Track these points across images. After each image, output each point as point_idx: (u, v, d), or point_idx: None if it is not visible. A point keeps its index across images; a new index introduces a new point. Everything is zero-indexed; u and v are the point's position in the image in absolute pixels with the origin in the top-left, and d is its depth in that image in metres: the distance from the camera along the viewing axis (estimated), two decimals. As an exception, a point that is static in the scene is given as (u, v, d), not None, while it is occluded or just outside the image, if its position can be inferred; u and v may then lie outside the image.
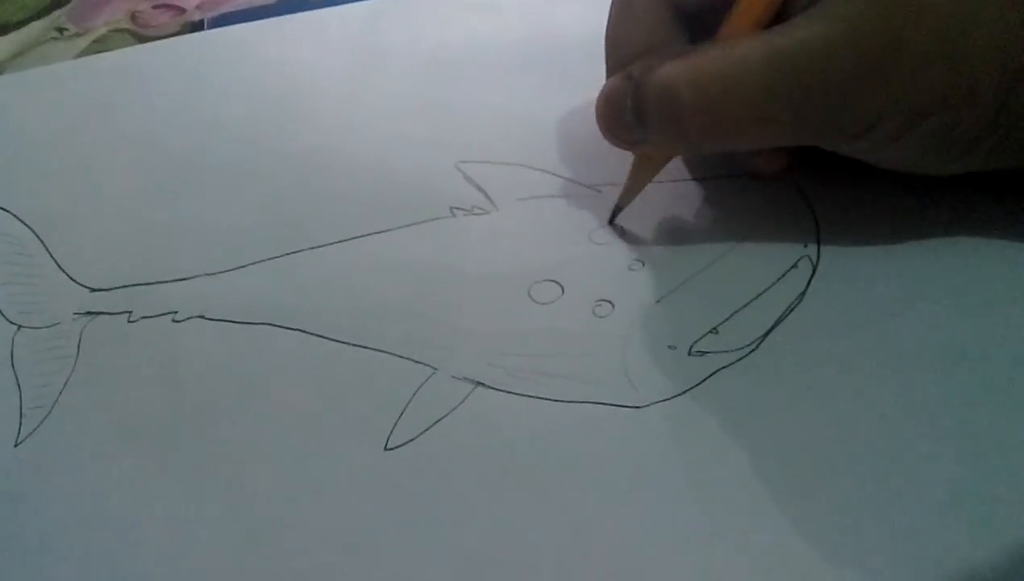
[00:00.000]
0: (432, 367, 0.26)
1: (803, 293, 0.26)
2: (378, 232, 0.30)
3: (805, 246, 0.27)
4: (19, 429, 0.26)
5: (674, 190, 0.30)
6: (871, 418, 0.24)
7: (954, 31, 0.22)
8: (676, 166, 0.30)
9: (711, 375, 0.25)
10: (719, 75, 0.23)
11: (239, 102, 0.34)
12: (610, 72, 0.27)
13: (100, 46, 0.39)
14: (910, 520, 0.22)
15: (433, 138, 0.33)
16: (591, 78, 0.34)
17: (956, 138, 0.23)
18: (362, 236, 0.29)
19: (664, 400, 0.25)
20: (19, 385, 0.27)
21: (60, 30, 0.40)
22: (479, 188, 0.31)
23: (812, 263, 0.27)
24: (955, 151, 0.24)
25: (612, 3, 0.27)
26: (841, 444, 0.23)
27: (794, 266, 0.27)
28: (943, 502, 0.22)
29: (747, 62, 0.23)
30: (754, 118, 0.23)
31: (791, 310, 0.26)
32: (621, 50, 0.27)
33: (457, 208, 0.30)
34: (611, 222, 0.29)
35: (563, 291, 0.28)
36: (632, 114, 0.25)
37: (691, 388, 0.25)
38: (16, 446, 0.26)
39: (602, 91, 0.26)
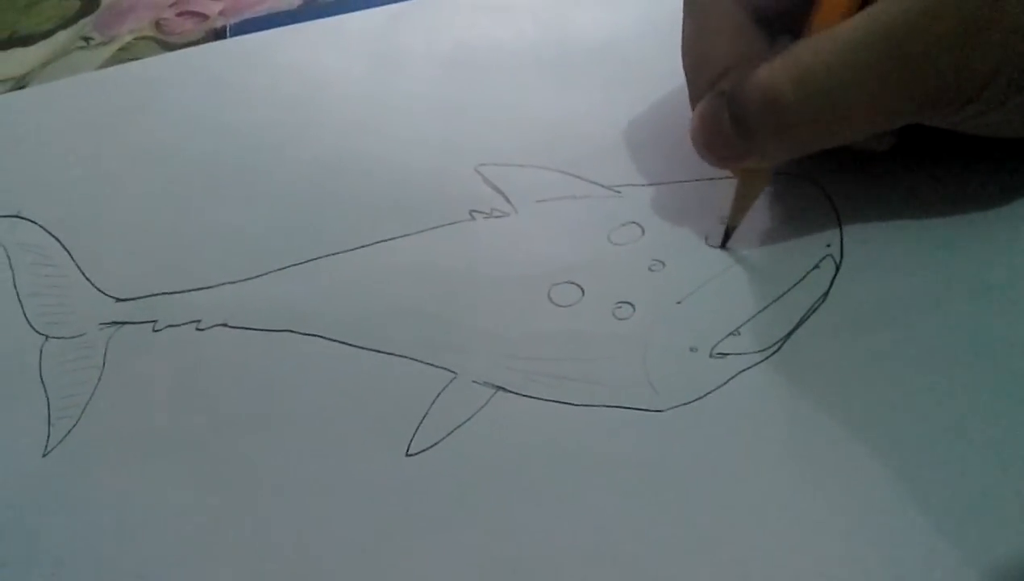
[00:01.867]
0: (452, 372, 0.26)
1: (826, 293, 0.26)
2: (398, 237, 0.30)
3: (828, 245, 0.27)
4: (48, 438, 0.27)
5: (695, 190, 0.29)
6: (896, 419, 0.23)
7: None
8: (697, 165, 0.30)
9: (733, 377, 0.25)
10: (823, 67, 0.22)
11: (261, 109, 0.35)
12: (696, 92, 0.26)
13: (125, 54, 0.40)
14: (939, 520, 0.21)
15: (452, 141, 0.33)
16: (608, 79, 0.34)
17: None
18: (382, 241, 0.30)
19: (686, 403, 0.25)
20: (47, 395, 0.27)
21: (86, 39, 0.41)
22: (498, 190, 0.31)
23: (835, 263, 0.27)
24: None
25: (685, 20, 0.26)
26: (866, 445, 0.23)
27: (816, 266, 0.27)
28: (973, 502, 0.22)
29: (850, 47, 0.22)
30: (866, 103, 0.23)
31: (814, 310, 0.26)
32: (707, 67, 0.26)
33: (476, 211, 0.30)
34: (723, 246, 0.28)
35: (583, 293, 0.27)
36: (733, 128, 0.24)
37: (713, 391, 0.25)
38: (44, 455, 0.26)
39: (695, 114, 0.25)
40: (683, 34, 0.26)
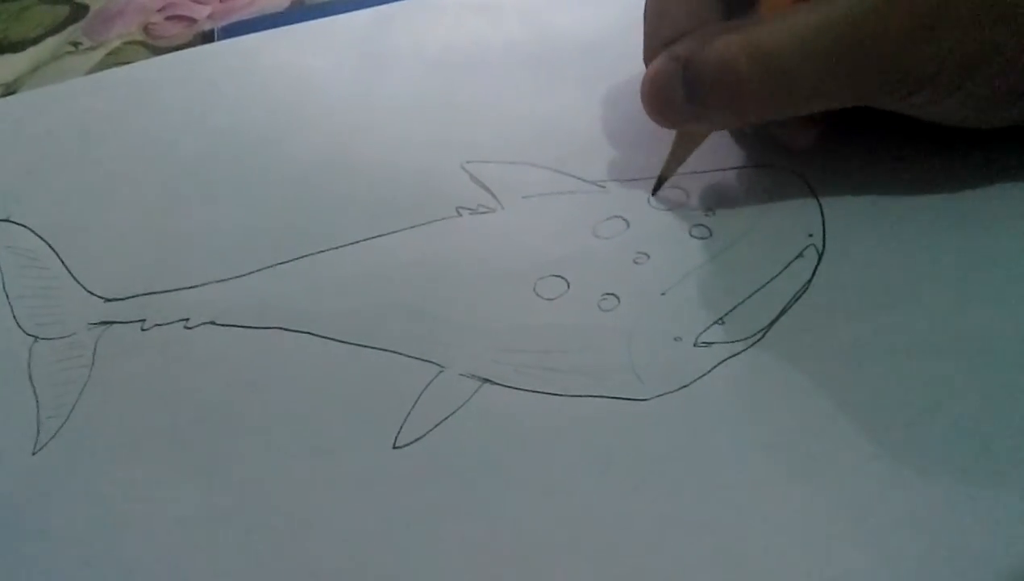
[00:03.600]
0: (439, 365, 0.26)
1: (809, 282, 0.26)
2: (385, 234, 0.30)
3: (810, 235, 0.27)
4: (37, 437, 0.27)
5: (678, 182, 0.30)
6: (879, 406, 0.24)
7: None
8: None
9: (717, 365, 0.25)
10: (777, 45, 0.23)
11: (248, 111, 0.35)
12: (650, 51, 0.27)
13: (114, 58, 0.40)
14: (921, 510, 0.22)
15: (439, 139, 0.33)
16: (592, 77, 0.34)
17: (1009, 85, 0.23)
18: (369, 238, 0.30)
19: (671, 392, 0.25)
20: (36, 395, 0.28)
21: (75, 44, 0.41)
22: (484, 187, 0.31)
23: (818, 252, 0.27)
24: (1007, 99, 0.24)
25: None
26: (849, 433, 0.23)
27: (799, 255, 0.27)
28: (954, 491, 0.22)
29: (805, 30, 0.23)
30: (815, 84, 0.24)
31: (797, 299, 0.26)
32: (662, 29, 0.27)
33: (463, 207, 0.30)
34: (655, 193, 0.29)
35: (568, 286, 0.28)
36: (685, 93, 0.25)
37: (697, 379, 0.25)
38: (34, 454, 0.26)
39: (648, 73, 0.26)
40: None
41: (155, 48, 0.40)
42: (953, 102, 0.24)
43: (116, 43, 0.41)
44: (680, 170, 0.30)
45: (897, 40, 0.23)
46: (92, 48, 0.40)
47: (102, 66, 0.40)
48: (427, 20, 0.38)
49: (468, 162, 0.32)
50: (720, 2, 0.27)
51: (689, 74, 0.25)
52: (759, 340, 0.25)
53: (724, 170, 0.29)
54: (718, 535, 0.22)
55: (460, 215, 0.30)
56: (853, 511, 0.22)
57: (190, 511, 0.24)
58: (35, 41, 0.41)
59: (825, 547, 0.21)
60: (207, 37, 0.40)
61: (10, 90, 0.39)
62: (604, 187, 0.30)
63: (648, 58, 0.28)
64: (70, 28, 0.42)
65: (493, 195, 0.31)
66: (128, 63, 0.39)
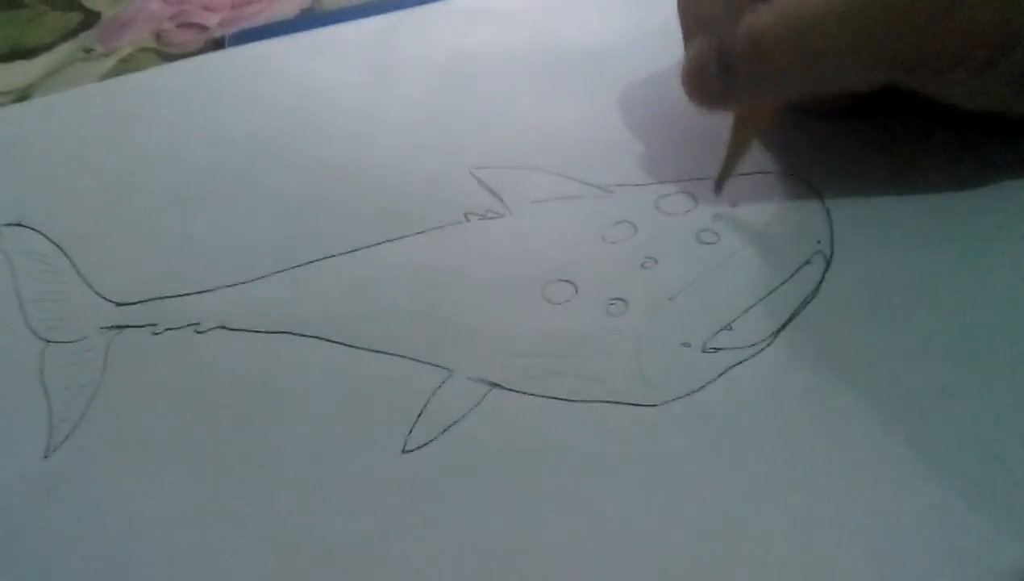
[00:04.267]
0: (448, 370, 0.26)
1: (817, 288, 0.26)
2: (393, 239, 0.30)
3: (818, 242, 0.27)
4: (48, 441, 0.27)
5: (686, 187, 0.30)
6: (888, 412, 0.24)
7: None
8: (688, 165, 0.30)
9: (726, 371, 0.25)
10: (807, 11, 0.23)
11: (258, 117, 0.35)
12: (687, 30, 0.27)
13: (126, 65, 0.40)
14: (931, 515, 0.22)
15: (448, 146, 0.33)
16: (600, 84, 0.34)
17: None
18: (378, 244, 0.30)
19: (679, 398, 0.25)
20: (48, 398, 0.28)
21: (87, 50, 0.41)
22: (493, 192, 0.31)
23: (825, 258, 0.27)
24: None
25: None
26: (858, 439, 0.23)
27: (807, 262, 0.27)
28: (965, 496, 0.22)
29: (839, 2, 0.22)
30: (846, 51, 0.23)
31: (805, 305, 0.26)
32: (699, 11, 0.27)
33: (471, 213, 0.30)
34: (717, 188, 0.29)
35: (577, 290, 0.28)
36: (717, 67, 0.25)
37: (706, 385, 0.25)
38: (45, 458, 0.26)
39: (686, 53, 0.26)
40: None
41: (166, 55, 0.41)
42: (986, 81, 0.23)
43: (128, 50, 0.41)
44: (688, 176, 0.30)
45: (928, 12, 0.22)
46: (104, 55, 0.41)
47: (114, 72, 0.40)
48: (436, 28, 0.39)
49: (477, 168, 0.32)
50: None
51: (721, 48, 0.24)
52: (768, 346, 0.25)
53: (732, 176, 0.30)
54: (727, 541, 0.22)
55: (468, 220, 0.30)
56: (862, 517, 0.22)
57: (200, 516, 0.25)
58: (48, 47, 0.42)
59: (834, 552, 0.21)
60: (218, 44, 0.40)
61: (23, 96, 0.40)
62: (612, 192, 0.30)
63: (687, 39, 0.27)
64: (82, 35, 0.42)
65: (501, 200, 0.31)
66: (140, 70, 0.39)
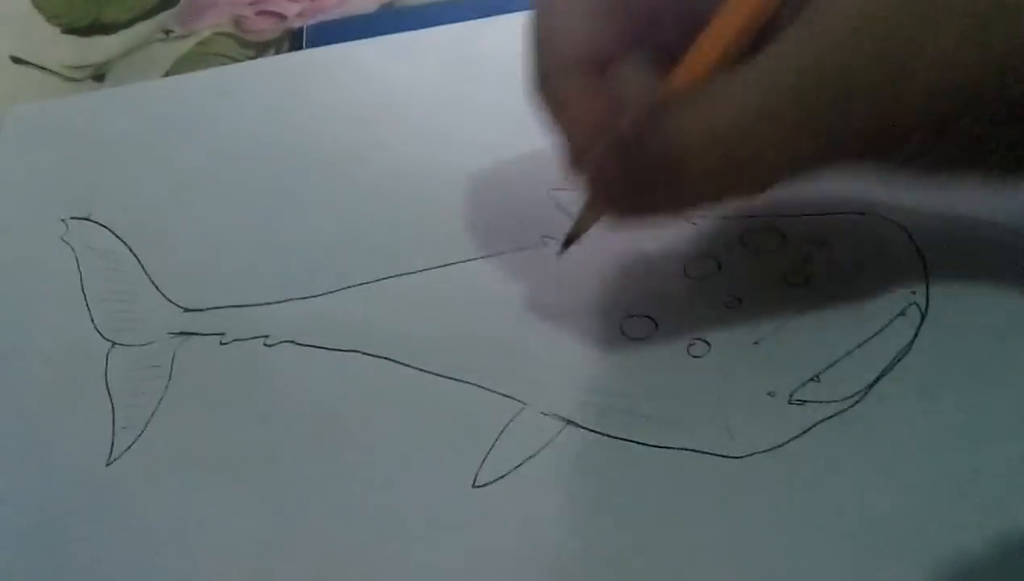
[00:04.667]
0: (521, 402, 0.26)
1: (911, 343, 0.25)
2: (469, 259, 0.29)
3: (914, 293, 0.26)
4: (111, 447, 0.26)
5: (774, 223, 0.29)
6: (985, 479, 0.23)
7: (978, 20, 0.19)
8: (777, 197, 0.29)
9: (813, 426, 0.24)
10: (729, 114, 0.20)
11: (335, 123, 0.34)
12: (543, 74, 0.23)
13: (204, 48, 0.40)
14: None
15: (527, 162, 0.32)
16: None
17: (989, 126, 0.20)
18: (453, 263, 0.29)
19: (763, 451, 0.24)
20: (112, 403, 0.27)
21: (166, 32, 0.41)
22: (572, 217, 0.30)
23: (921, 311, 0.26)
24: (990, 142, 0.21)
25: None
26: (952, 505, 0.22)
27: (901, 313, 0.26)
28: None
29: (757, 88, 0.20)
30: (783, 152, 0.20)
31: (898, 360, 0.25)
32: (559, 41, 0.23)
33: (548, 237, 0.30)
34: (560, 253, 0.26)
35: (656, 327, 0.27)
36: (635, 182, 0.22)
37: (792, 439, 0.24)
38: (108, 465, 0.26)
39: (593, 162, 0.22)
40: (533, 5, 0.23)
41: (244, 41, 0.40)
42: (948, 147, 0.21)
43: (206, 33, 0.41)
44: (776, 210, 0.29)
45: (876, 80, 0.19)
46: (182, 36, 0.40)
47: (192, 55, 0.40)
48: (517, 35, 0.37)
49: (555, 189, 0.31)
50: (626, 14, 0.23)
51: (634, 160, 0.21)
52: (858, 402, 0.24)
53: (823, 215, 0.28)
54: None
55: (546, 245, 0.29)
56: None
57: (259, 535, 0.24)
58: (127, 25, 0.41)
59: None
60: (296, 35, 0.40)
61: (99, 72, 0.40)
62: (695, 223, 0.29)
63: (541, 81, 0.23)
64: (162, 15, 0.41)
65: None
66: (216, 54, 0.39)
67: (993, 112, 0.20)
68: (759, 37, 0.21)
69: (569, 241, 0.26)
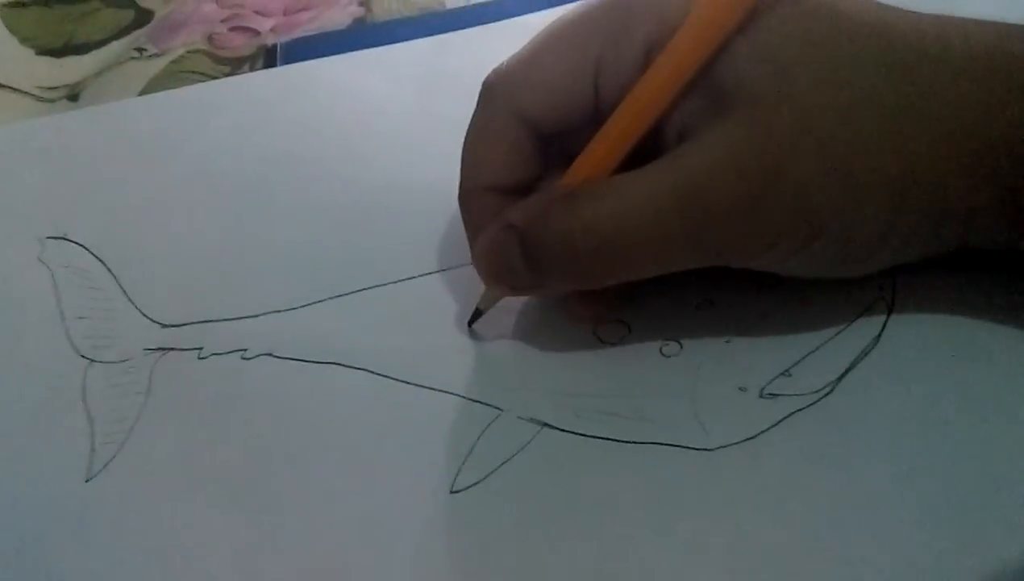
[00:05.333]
0: (498, 408, 0.26)
1: (878, 337, 0.26)
2: (445, 269, 0.30)
3: (880, 288, 0.27)
4: (90, 464, 0.26)
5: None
6: (948, 469, 0.23)
7: (838, 150, 0.22)
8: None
9: (784, 419, 0.25)
10: (610, 216, 0.23)
11: (310, 139, 0.35)
12: (465, 192, 0.27)
13: (178, 66, 0.40)
14: (1000, 574, 0.21)
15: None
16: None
17: (856, 244, 0.23)
18: (429, 273, 0.29)
19: (735, 443, 0.24)
20: (91, 419, 0.27)
21: (139, 50, 0.41)
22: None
23: (887, 306, 0.26)
24: (857, 256, 0.24)
25: (471, 120, 0.27)
26: (919, 497, 0.23)
27: (868, 309, 0.26)
28: (1020, 560, 0.21)
29: (636, 198, 0.23)
30: (651, 251, 0.23)
31: (866, 354, 0.25)
32: (477, 170, 0.27)
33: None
34: (471, 325, 0.28)
35: (630, 330, 0.27)
36: (524, 266, 0.24)
37: (763, 432, 0.24)
38: (87, 481, 0.26)
39: (483, 242, 0.25)
40: (466, 133, 0.27)
41: (218, 57, 0.40)
42: (802, 261, 0.23)
43: (180, 51, 0.41)
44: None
45: (730, 209, 0.22)
46: (156, 55, 0.41)
47: (165, 74, 0.40)
48: (488, 47, 0.38)
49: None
50: (539, 150, 0.26)
51: (527, 249, 0.24)
52: (828, 394, 0.25)
53: None
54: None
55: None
56: (926, 572, 0.21)
57: (240, 548, 0.24)
58: (100, 44, 0.41)
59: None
60: (270, 51, 0.40)
61: (73, 92, 0.40)
62: None
63: (463, 198, 0.27)
64: (135, 33, 0.42)
65: None
66: (192, 72, 0.39)
67: (856, 230, 0.23)
68: (646, 152, 0.24)
69: (475, 317, 0.28)
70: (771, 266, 0.24)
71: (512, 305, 0.28)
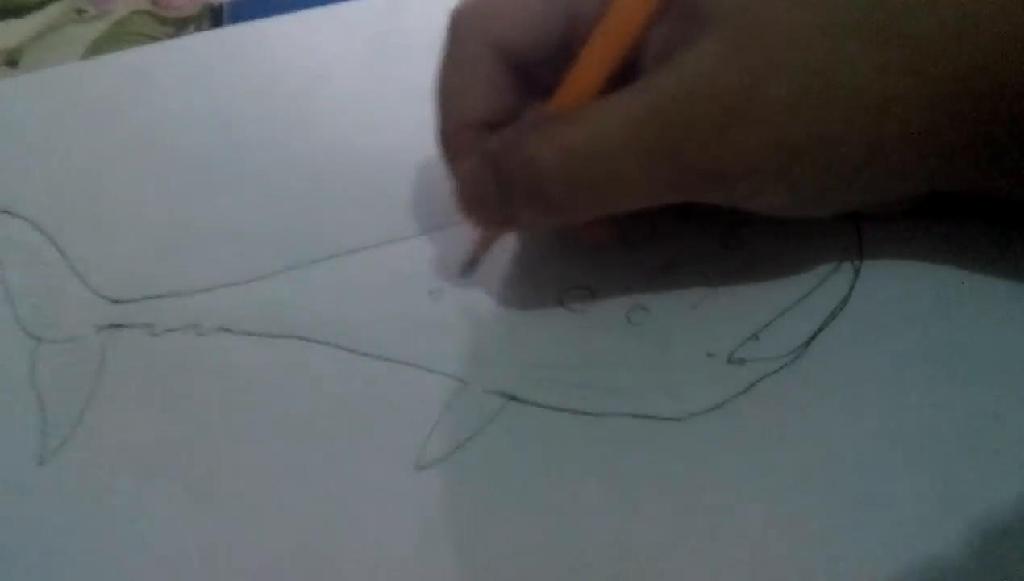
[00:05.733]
0: (462, 380, 0.25)
1: (847, 298, 0.25)
2: (404, 238, 0.29)
3: (846, 249, 0.26)
4: (43, 447, 0.26)
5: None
6: (921, 426, 0.23)
7: (818, 72, 0.21)
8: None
9: (753, 384, 0.24)
10: (582, 141, 0.22)
11: (258, 102, 0.33)
12: (444, 131, 0.26)
13: (121, 28, 0.39)
14: (963, 528, 0.21)
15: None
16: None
17: (834, 174, 0.22)
18: (387, 243, 0.29)
19: (705, 411, 0.24)
20: (42, 402, 0.27)
21: (79, 12, 0.39)
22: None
23: (854, 267, 0.26)
24: (835, 188, 0.23)
25: (441, 60, 0.26)
26: (890, 454, 0.23)
27: (836, 270, 0.26)
28: (997, 512, 0.21)
29: (609, 121, 0.22)
30: (625, 181, 0.22)
31: (834, 315, 0.25)
32: (456, 107, 0.26)
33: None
34: (463, 274, 0.27)
35: (595, 297, 0.27)
36: (497, 193, 0.24)
37: (733, 398, 0.24)
38: (40, 464, 0.25)
39: (460, 172, 0.25)
40: (439, 71, 0.26)
41: (162, 18, 0.39)
42: (779, 193, 0.23)
43: (122, 12, 0.39)
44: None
45: (707, 131, 0.21)
46: (97, 17, 0.39)
47: (107, 35, 0.38)
48: (443, 5, 0.37)
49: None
50: (518, 83, 0.25)
51: (499, 174, 0.23)
52: (797, 358, 0.25)
53: None
54: (755, 560, 0.22)
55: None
56: (894, 535, 0.21)
57: (201, 527, 0.24)
58: (39, 5, 0.40)
59: (867, 567, 0.21)
60: (216, 11, 0.38)
61: (11, 58, 0.38)
62: None
63: (443, 139, 0.26)
64: (75, -7, 0.40)
65: None
66: (136, 33, 0.38)
67: (835, 159, 0.22)
68: (626, 79, 0.23)
69: (470, 264, 0.27)
70: (746, 200, 0.23)
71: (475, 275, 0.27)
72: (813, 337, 0.25)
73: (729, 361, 0.25)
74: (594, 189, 0.23)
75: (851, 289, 0.26)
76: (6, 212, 0.31)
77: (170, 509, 0.24)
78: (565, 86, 0.24)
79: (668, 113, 0.21)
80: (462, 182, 0.25)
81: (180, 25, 0.38)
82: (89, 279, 0.29)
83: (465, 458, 0.24)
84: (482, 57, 0.25)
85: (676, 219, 0.27)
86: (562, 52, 0.24)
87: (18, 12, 0.40)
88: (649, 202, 0.23)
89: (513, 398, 0.25)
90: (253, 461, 0.25)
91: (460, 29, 0.25)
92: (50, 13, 0.40)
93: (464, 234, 0.27)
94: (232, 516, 0.24)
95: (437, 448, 0.24)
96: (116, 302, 0.28)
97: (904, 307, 0.25)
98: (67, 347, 0.28)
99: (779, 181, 0.22)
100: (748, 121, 0.21)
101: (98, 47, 0.38)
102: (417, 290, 0.28)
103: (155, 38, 0.38)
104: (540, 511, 0.23)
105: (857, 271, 0.26)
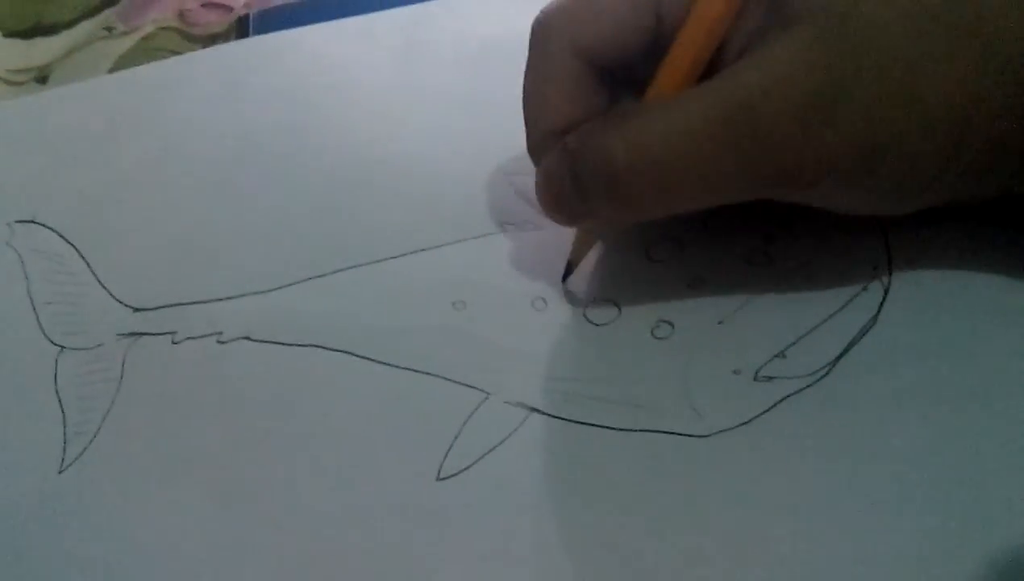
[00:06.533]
0: (485, 392, 0.25)
1: (875, 317, 0.25)
2: (428, 248, 0.29)
3: (875, 268, 0.26)
4: (63, 455, 0.26)
5: (735, 206, 0.28)
6: (949, 449, 0.23)
7: (904, 70, 0.21)
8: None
9: (779, 402, 0.24)
10: (657, 136, 0.22)
11: (282, 112, 0.33)
12: (533, 142, 0.26)
13: (148, 44, 0.39)
14: (988, 552, 0.21)
15: (483, 144, 0.31)
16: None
17: (916, 174, 0.22)
18: (412, 252, 0.29)
19: (730, 428, 0.24)
20: (63, 409, 0.27)
21: (109, 29, 0.40)
22: (530, 203, 0.30)
23: (883, 286, 0.26)
24: (916, 188, 0.23)
25: (527, 67, 0.26)
26: (918, 475, 0.22)
27: (864, 289, 0.26)
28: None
29: (686, 116, 0.22)
30: (700, 177, 0.22)
31: (863, 334, 0.25)
32: (544, 118, 0.25)
33: (508, 223, 0.29)
34: (564, 279, 0.27)
35: (619, 311, 0.26)
36: (572, 187, 0.24)
37: (758, 416, 0.24)
38: (60, 472, 0.25)
39: (541, 168, 0.25)
40: (524, 80, 0.26)
41: (190, 35, 0.39)
42: (860, 192, 0.22)
43: (150, 28, 0.40)
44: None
45: (790, 127, 0.21)
46: (125, 33, 0.39)
47: (136, 51, 0.39)
48: (468, 16, 0.37)
49: (514, 174, 0.30)
50: (603, 88, 0.25)
51: (573, 167, 0.23)
52: (824, 376, 0.24)
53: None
54: (780, 579, 0.21)
55: (506, 231, 0.29)
56: (925, 556, 0.21)
57: (219, 536, 0.24)
58: (69, 25, 0.40)
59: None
60: (242, 23, 0.39)
61: (43, 74, 0.38)
62: None
63: (532, 148, 0.26)
64: (105, 12, 0.40)
65: (539, 211, 0.29)
66: (162, 49, 0.38)
67: (918, 159, 0.21)
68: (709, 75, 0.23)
69: (568, 271, 0.27)
70: (825, 200, 0.23)
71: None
72: (841, 356, 0.25)
73: (755, 378, 0.24)
74: (669, 184, 0.22)
75: (880, 308, 0.25)
76: (32, 221, 0.31)
77: (190, 516, 0.24)
78: (659, 80, 0.24)
79: (751, 108, 0.21)
80: (541, 178, 0.25)
81: (207, 41, 0.39)
82: (112, 288, 0.29)
83: (486, 470, 0.24)
84: (567, 62, 0.25)
85: (702, 234, 0.27)
86: (647, 53, 0.24)
87: (49, 31, 0.40)
88: (723, 200, 0.23)
89: (535, 411, 0.25)
90: (273, 470, 0.25)
91: (543, 34, 0.25)
92: (80, 31, 0.40)
93: (492, 244, 0.27)
94: (252, 524, 0.23)
95: (458, 459, 0.24)
96: (138, 310, 0.28)
97: (934, 327, 0.25)
98: (89, 354, 0.28)
99: (860, 180, 0.22)
100: (832, 119, 0.21)
101: (124, 62, 0.38)
102: (441, 301, 0.27)
103: (181, 54, 0.38)
104: (561, 527, 0.23)
105: (886, 290, 0.26)
